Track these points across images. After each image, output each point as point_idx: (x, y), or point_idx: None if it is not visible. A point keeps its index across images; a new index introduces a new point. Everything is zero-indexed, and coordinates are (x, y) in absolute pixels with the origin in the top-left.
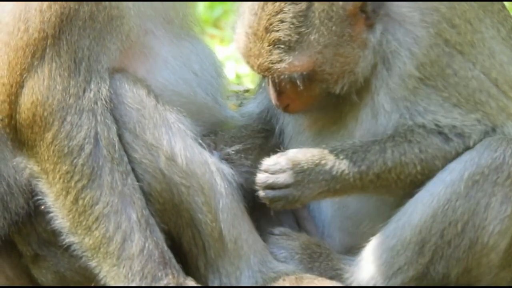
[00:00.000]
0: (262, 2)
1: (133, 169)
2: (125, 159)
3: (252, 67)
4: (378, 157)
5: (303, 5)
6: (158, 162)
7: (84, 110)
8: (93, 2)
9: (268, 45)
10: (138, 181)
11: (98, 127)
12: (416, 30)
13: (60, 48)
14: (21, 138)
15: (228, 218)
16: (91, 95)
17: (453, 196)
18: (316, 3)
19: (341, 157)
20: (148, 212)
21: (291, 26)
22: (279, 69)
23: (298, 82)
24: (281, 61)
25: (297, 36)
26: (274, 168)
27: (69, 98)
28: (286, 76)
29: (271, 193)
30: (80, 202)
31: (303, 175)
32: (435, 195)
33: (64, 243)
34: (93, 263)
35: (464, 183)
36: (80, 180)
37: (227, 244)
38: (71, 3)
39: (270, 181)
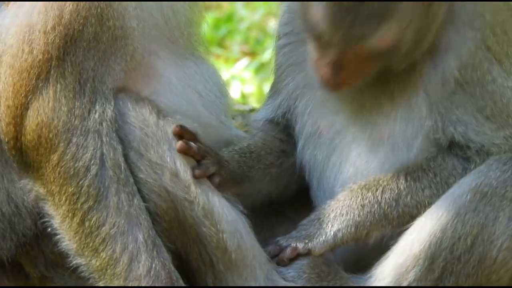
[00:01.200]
0: None
1: (139, 190)
2: (131, 179)
3: (337, 41)
4: (392, 182)
5: None
6: (163, 180)
7: (90, 131)
8: (97, 23)
9: (362, 16)
10: (144, 201)
11: (103, 148)
12: (465, 31)
13: (64, 69)
14: (27, 160)
15: (229, 228)
16: (96, 116)
17: (462, 209)
18: None
19: (354, 188)
20: (155, 233)
21: None
22: (371, 42)
23: (371, 58)
24: (373, 33)
25: (389, 10)
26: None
27: (75, 120)
28: (372, 51)
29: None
30: (87, 223)
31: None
32: (444, 209)
33: (71, 264)
34: (100, 284)
35: (473, 195)
36: (86, 202)
37: (232, 253)
38: (75, 25)
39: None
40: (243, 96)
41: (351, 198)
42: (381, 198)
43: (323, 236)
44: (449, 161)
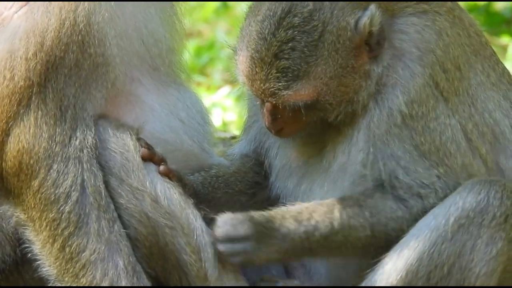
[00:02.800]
0: (272, 28)
1: (119, 215)
2: (112, 206)
3: (255, 91)
4: (324, 218)
5: (316, 35)
6: (143, 206)
7: (71, 158)
8: (78, 50)
9: (277, 72)
10: (124, 226)
11: (84, 175)
12: (414, 66)
13: (46, 96)
14: (7, 186)
15: (211, 257)
16: (77, 142)
17: (438, 239)
18: (326, 34)
19: (288, 215)
20: (135, 259)
21: (302, 55)
22: (285, 96)
23: (298, 109)
24: (287, 88)
25: (306, 66)
26: (233, 222)
27: (55, 146)
28: (289, 103)
29: (229, 246)
30: (67, 249)
31: (260, 227)
32: (421, 240)
33: None
34: None
35: (450, 227)
36: (67, 228)
37: (212, 282)
38: (57, 51)
39: (230, 232)
40: (224, 124)
41: (285, 227)
42: (313, 232)
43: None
44: (386, 202)
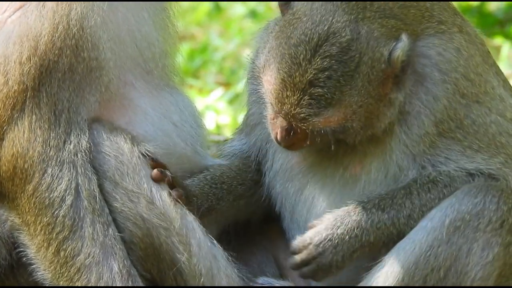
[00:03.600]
0: (308, 54)
1: (114, 219)
2: (106, 209)
3: (283, 113)
4: (405, 199)
5: (352, 66)
6: (139, 208)
7: (65, 162)
8: (72, 54)
9: (310, 99)
10: (119, 230)
11: (79, 179)
12: (437, 89)
13: (40, 100)
14: (2, 190)
15: (204, 255)
16: (71, 147)
17: (435, 242)
18: (362, 66)
19: (367, 208)
20: (130, 263)
21: (337, 84)
22: (314, 122)
23: (321, 133)
24: (318, 115)
25: (340, 95)
26: (298, 247)
27: (50, 150)
28: (317, 129)
29: (305, 269)
30: (62, 253)
31: (324, 243)
32: (417, 242)
33: None
34: None
35: (446, 229)
36: (61, 232)
37: (205, 280)
38: (51, 56)
39: (298, 260)
40: (218, 127)
41: (362, 215)
42: (395, 200)
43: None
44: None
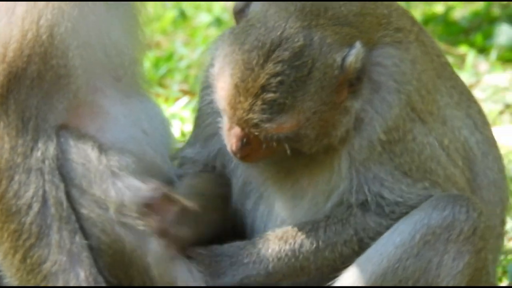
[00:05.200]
0: (261, 59)
1: (81, 226)
2: (73, 217)
3: (236, 119)
4: (310, 235)
5: (305, 71)
6: (107, 214)
7: (32, 169)
8: (41, 62)
9: (262, 104)
10: (86, 237)
11: (46, 186)
12: (391, 98)
13: (8, 107)
14: None
15: (161, 259)
16: (39, 154)
17: (403, 255)
18: (315, 71)
19: (271, 238)
20: (96, 271)
21: (290, 89)
22: (267, 128)
23: (275, 140)
24: (271, 120)
25: (292, 100)
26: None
27: (17, 157)
28: (269, 135)
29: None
30: (28, 260)
31: (223, 258)
32: (385, 256)
33: None
34: None
35: (416, 243)
36: (28, 239)
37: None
38: (19, 63)
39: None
40: (183, 135)
41: (268, 249)
42: (299, 252)
43: (230, 277)
44: (370, 218)
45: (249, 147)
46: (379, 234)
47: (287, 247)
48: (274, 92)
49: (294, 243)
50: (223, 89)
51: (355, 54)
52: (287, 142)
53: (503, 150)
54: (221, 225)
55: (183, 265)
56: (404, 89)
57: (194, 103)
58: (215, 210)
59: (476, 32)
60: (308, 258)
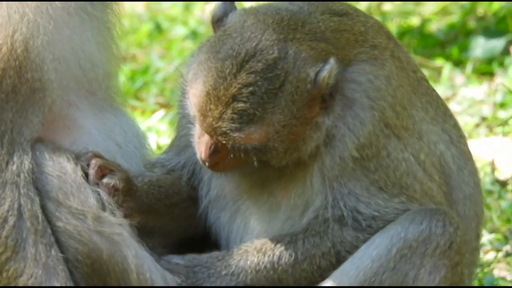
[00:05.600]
0: (234, 69)
1: (57, 239)
2: (49, 230)
3: (205, 126)
4: (289, 247)
5: (277, 84)
6: (85, 225)
7: (8, 183)
8: (15, 75)
9: (232, 113)
10: (62, 250)
11: (21, 200)
12: (364, 114)
13: None
14: None
15: (151, 265)
16: (14, 168)
17: (380, 269)
18: (287, 84)
19: (250, 250)
20: (72, 284)
21: (260, 101)
22: (235, 138)
23: (243, 150)
24: (239, 130)
25: (262, 112)
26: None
27: None
28: (237, 145)
29: None
30: (4, 274)
31: (200, 269)
32: (361, 269)
33: None
34: None
35: (393, 257)
36: (4, 253)
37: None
38: None
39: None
40: (159, 147)
41: (247, 261)
42: (277, 265)
43: None
44: (347, 232)
45: (218, 156)
46: (356, 248)
47: (266, 259)
48: (245, 102)
49: (273, 255)
50: (195, 96)
51: (328, 69)
52: (255, 154)
53: (479, 163)
54: (187, 224)
55: (159, 271)
56: (378, 105)
57: (170, 116)
58: (174, 206)
59: (452, 45)
60: (287, 270)
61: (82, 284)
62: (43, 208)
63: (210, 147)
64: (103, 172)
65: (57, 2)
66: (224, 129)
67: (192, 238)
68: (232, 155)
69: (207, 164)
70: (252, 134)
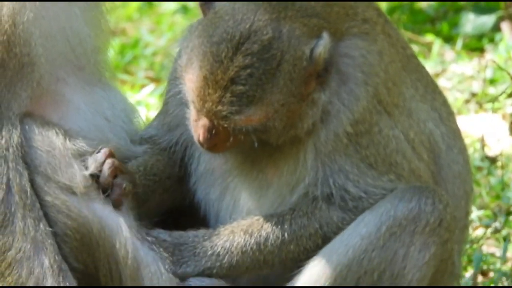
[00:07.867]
0: (230, 52)
1: (45, 213)
2: (37, 204)
3: (205, 111)
4: (275, 228)
5: (274, 64)
6: (73, 199)
7: None
8: (4, 50)
9: (231, 96)
10: (51, 224)
11: (10, 174)
12: (359, 90)
13: None
14: None
15: (139, 244)
16: (3, 142)
17: (369, 247)
18: (284, 64)
19: (236, 230)
20: (61, 258)
21: (259, 82)
22: (236, 120)
23: (244, 132)
24: (240, 113)
25: (261, 93)
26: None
27: None
28: (238, 127)
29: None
30: None
31: (186, 248)
32: (351, 246)
33: None
34: None
35: (382, 235)
36: None
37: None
38: None
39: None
40: (149, 121)
41: (233, 242)
42: (264, 246)
43: (192, 268)
44: (334, 213)
45: (216, 138)
46: (341, 229)
47: (252, 240)
48: (244, 84)
49: (260, 236)
50: (191, 81)
51: (323, 45)
52: (255, 134)
53: (468, 139)
54: (170, 205)
55: (148, 249)
56: (372, 81)
57: (160, 90)
58: (165, 192)
59: (442, 21)
60: (273, 251)
61: (70, 260)
62: (32, 183)
63: (210, 131)
64: (116, 172)
65: None
66: (224, 112)
67: (180, 211)
68: (232, 137)
69: (205, 146)
70: (252, 116)
